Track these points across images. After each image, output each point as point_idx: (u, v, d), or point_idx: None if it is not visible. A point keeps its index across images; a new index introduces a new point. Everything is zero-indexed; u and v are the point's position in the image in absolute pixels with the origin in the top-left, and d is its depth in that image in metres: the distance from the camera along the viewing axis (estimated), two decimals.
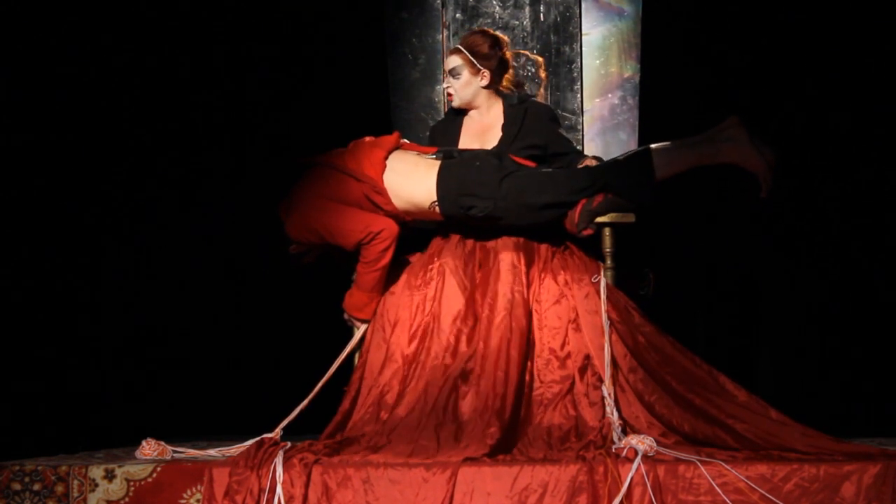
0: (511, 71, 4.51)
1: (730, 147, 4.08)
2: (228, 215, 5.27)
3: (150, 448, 3.89)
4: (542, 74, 4.66)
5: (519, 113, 4.43)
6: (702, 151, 4.12)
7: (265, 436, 3.83)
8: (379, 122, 4.69)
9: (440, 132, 4.54)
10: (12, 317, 4.67)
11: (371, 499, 3.47)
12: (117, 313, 5.16)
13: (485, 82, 4.44)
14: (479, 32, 4.50)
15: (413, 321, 4.10)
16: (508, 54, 4.48)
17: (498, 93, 4.49)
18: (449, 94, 4.47)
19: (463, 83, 4.43)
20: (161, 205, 5.28)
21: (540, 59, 4.68)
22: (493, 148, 4.37)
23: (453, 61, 4.43)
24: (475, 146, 4.40)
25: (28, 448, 4.14)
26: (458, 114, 4.52)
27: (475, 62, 4.40)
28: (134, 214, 5.22)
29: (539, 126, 4.43)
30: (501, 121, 4.45)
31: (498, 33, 4.53)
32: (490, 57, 4.42)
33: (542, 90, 4.67)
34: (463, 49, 4.42)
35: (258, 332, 5.34)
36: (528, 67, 4.70)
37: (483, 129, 4.47)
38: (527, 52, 4.71)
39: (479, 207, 4.14)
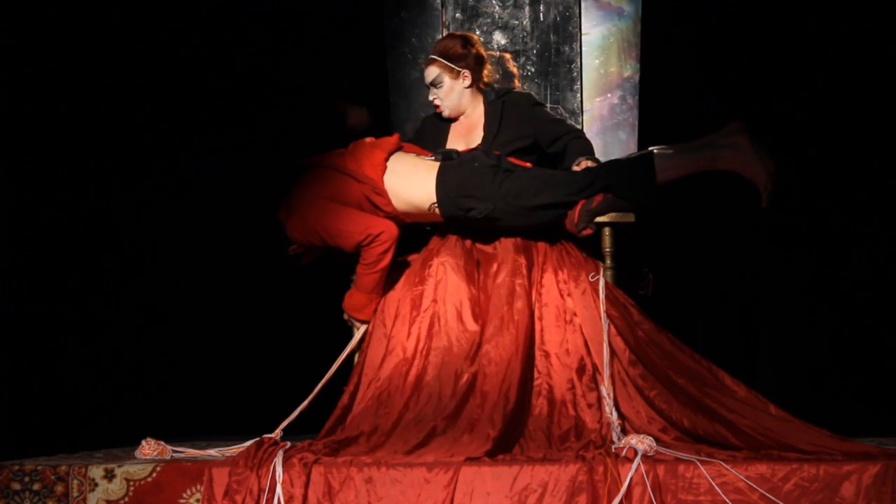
0: (489, 66, 4.49)
1: (731, 154, 4.08)
2: (229, 216, 5.27)
3: (149, 448, 3.89)
4: (512, 68, 4.65)
5: (497, 108, 4.43)
6: (703, 156, 4.12)
7: (265, 436, 3.83)
8: (379, 122, 4.69)
9: (427, 134, 4.52)
10: (12, 317, 4.66)
11: (373, 499, 3.47)
12: (117, 312, 5.16)
13: (467, 83, 4.43)
14: (448, 36, 4.51)
15: (414, 317, 4.09)
16: (482, 50, 4.47)
17: (479, 90, 4.48)
18: (437, 107, 4.45)
19: (446, 90, 4.42)
20: (161, 204, 5.28)
21: (507, 55, 4.68)
22: (477, 146, 4.37)
23: (431, 72, 4.41)
24: (461, 147, 4.40)
25: (28, 448, 4.14)
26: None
27: (452, 66, 4.40)
28: (134, 214, 5.22)
29: (520, 116, 4.41)
30: (483, 119, 4.45)
31: (467, 32, 4.53)
32: (465, 56, 4.41)
33: (517, 81, 4.67)
34: (437, 56, 4.40)
35: (258, 332, 5.34)
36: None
37: (468, 129, 4.48)
38: (493, 52, 4.70)
39: (478, 209, 4.14)
